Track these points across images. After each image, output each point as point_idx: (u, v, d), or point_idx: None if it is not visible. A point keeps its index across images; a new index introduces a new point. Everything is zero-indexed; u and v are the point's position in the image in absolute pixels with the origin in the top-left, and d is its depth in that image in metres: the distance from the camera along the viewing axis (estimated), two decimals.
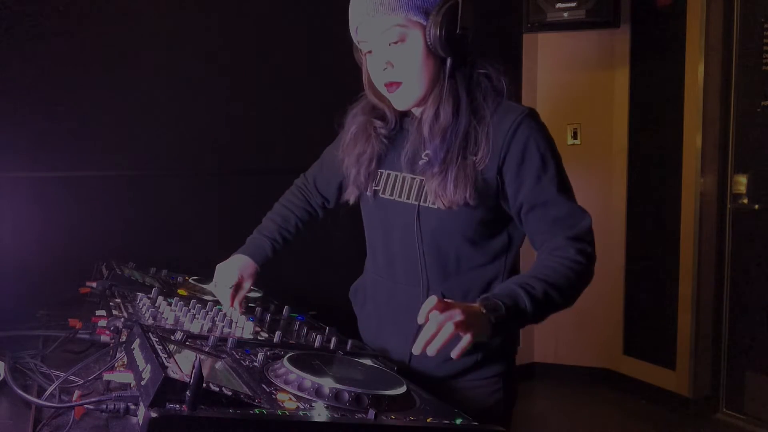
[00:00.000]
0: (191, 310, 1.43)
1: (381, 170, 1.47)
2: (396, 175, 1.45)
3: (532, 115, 1.35)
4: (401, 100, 1.37)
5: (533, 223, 1.34)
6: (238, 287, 1.59)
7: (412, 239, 1.40)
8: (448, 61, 1.32)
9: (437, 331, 1.08)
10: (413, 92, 1.35)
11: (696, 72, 3.41)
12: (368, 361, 1.30)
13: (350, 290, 1.65)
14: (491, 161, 1.32)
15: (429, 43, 1.31)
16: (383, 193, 1.47)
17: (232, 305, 1.56)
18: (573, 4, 3.55)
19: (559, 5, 3.57)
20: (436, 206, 1.35)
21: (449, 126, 1.33)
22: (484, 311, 1.15)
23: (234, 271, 1.60)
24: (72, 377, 1.11)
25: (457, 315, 1.09)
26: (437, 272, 1.40)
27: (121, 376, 1.00)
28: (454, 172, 1.31)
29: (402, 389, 1.08)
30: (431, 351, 1.07)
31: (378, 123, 1.45)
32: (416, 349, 1.08)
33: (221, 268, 1.62)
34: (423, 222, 1.39)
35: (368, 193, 1.49)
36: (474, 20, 1.35)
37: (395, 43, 1.32)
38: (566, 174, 1.37)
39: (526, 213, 1.34)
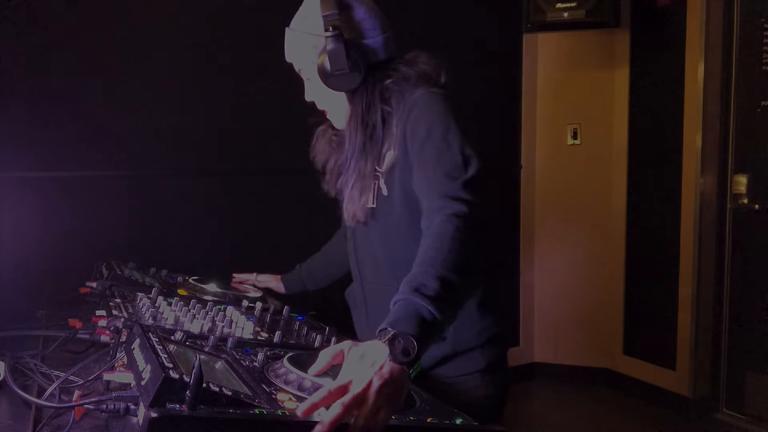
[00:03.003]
0: (191, 310, 1.43)
1: None
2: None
3: (425, 94, 1.36)
4: (334, 123, 1.51)
5: (417, 191, 1.31)
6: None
7: (362, 241, 1.51)
8: (344, 93, 1.42)
9: (326, 399, 0.90)
10: (338, 116, 1.48)
11: (696, 72, 3.41)
12: None
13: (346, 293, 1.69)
14: (400, 152, 1.36)
15: (324, 82, 1.40)
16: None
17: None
18: (573, 4, 3.54)
19: (559, 5, 3.57)
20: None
21: (350, 142, 1.42)
22: (394, 363, 0.97)
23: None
24: (72, 377, 1.11)
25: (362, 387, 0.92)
26: (391, 267, 1.44)
27: (121, 376, 1.00)
28: (351, 184, 1.42)
29: None
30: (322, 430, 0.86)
31: (331, 130, 1.56)
32: (300, 411, 0.89)
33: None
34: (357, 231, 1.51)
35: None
36: (361, 38, 1.40)
37: (308, 79, 1.48)
38: (459, 137, 1.29)
39: (416, 184, 1.31)
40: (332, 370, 1.09)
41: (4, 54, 2.38)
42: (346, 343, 1.03)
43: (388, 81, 1.39)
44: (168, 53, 2.74)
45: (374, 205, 1.42)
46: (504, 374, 1.48)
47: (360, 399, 0.91)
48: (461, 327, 1.35)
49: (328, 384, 0.93)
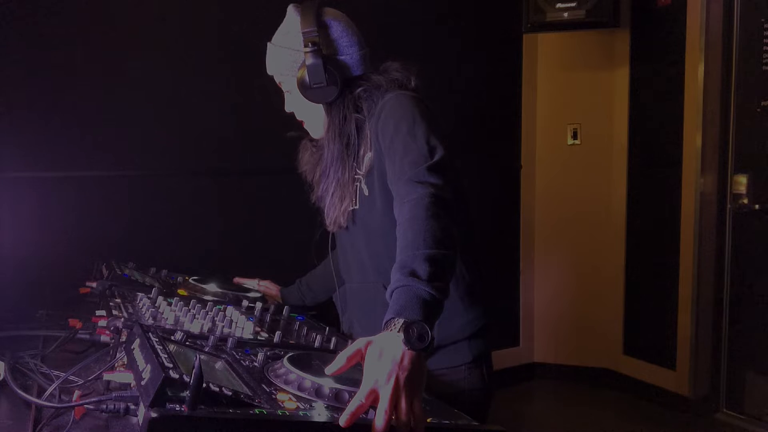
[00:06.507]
0: (191, 310, 1.43)
1: None
2: None
3: (393, 96, 1.42)
4: (311, 133, 1.59)
5: (389, 184, 1.36)
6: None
7: (347, 246, 1.57)
8: (322, 105, 1.49)
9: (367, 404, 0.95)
10: (316, 127, 1.56)
11: (696, 72, 3.41)
12: None
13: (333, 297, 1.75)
14: (375, 153, 1.42)
15: (303, 94, 1.48)
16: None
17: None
18: (573, 4, 3.54)
19: (559, 5, 3.57)
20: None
21: (328, 150, 1.50)
22: (412, 351, 1.01)
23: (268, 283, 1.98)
24: (72, 377, 1.11)
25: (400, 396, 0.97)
26: (376, 267, 1.48)
27: (121, 376, 1.00)
28: (331, 192, 1.49)
29: None
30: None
31: (310, 143, 1.64)
32: (341, 422, 0.91)
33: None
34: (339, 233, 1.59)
35: None
36: (339, 53, 1.47)
37: (287, 91, 1.55)
38: (424, 129, 1.34)
39: (388, 178, 1.35)
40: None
41: (4, 53, 2.38)
42: (361, 341, 1.03)
43: (359, 90, 1.47)
44: (168, 54, 2.74)
45: (357, 206, 1.48)
46: (491, 368, 1.50)
47: (395, 400, 0.95)
48: (447, 319, 1.35)
49: (353, 384, 0.98)
